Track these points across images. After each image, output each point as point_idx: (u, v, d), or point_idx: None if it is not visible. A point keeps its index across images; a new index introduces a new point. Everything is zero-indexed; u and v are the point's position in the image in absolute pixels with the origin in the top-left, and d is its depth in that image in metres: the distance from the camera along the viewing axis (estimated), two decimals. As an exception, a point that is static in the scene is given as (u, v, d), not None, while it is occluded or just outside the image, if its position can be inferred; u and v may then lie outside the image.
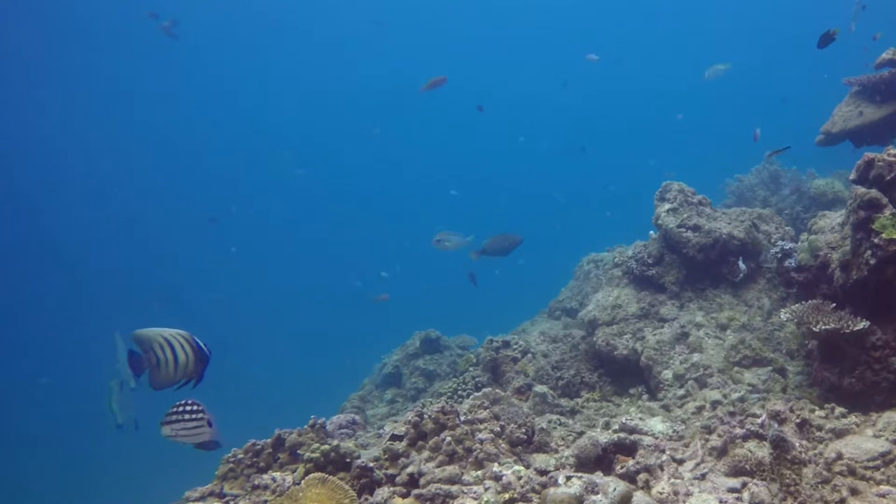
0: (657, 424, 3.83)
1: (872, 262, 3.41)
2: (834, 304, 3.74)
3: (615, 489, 2.55)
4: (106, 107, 27.14)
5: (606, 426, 4.03)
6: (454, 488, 2.87)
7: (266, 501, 3.17)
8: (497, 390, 4.68)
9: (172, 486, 4.15)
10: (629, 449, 3.15)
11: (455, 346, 6.98)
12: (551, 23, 28.99)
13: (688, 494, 2.71)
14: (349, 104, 31.17)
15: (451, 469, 2.99)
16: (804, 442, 2.76)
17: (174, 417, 3.06)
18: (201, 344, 2.83)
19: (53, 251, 25.64)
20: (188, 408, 3.09)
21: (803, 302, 3.92)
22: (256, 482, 3.40)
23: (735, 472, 2.88)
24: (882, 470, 2.69)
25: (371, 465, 3.10)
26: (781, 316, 4.10)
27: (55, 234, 26.15)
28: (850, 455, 2.76)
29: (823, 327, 3.51)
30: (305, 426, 3.76)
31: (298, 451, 3.60)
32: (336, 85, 31.46)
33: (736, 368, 4.36)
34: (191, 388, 2.89)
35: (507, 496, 2.79)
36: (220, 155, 30.57)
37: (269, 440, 3.71)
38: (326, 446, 3.19)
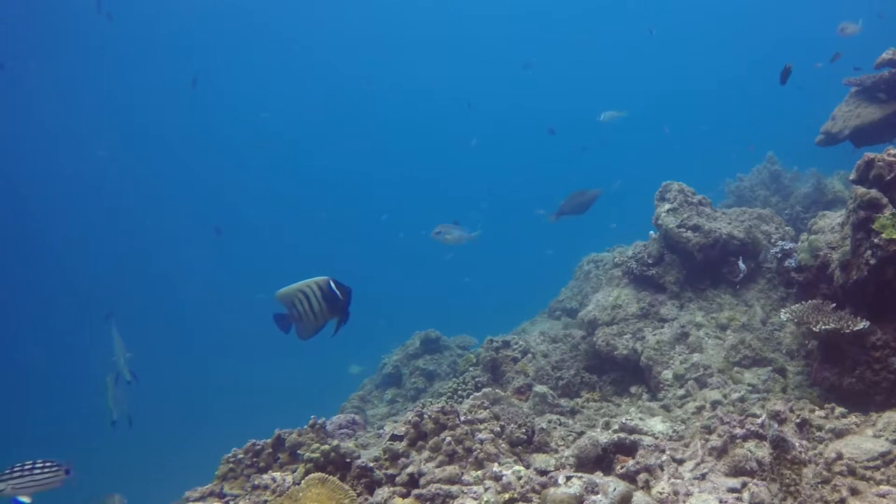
0: (657, 424, 3.84)
1: (872, 262, 3.41)
2: (834, 304, 3.74)
3: (615, 489, 2.55)
4: (103, 111, 27.19)
5: (606, 426, 4.03)
6: (454, 488, 2.87)
7: (266, 501, 3.17)
8: (497, 390, 4.68)
9: (172, 486, 4.16)
10: (629, 449, 3.15)
11: (455, 346, 6.97)
12: (548, 26, 29.02)
13: (688, 494, 2.71)
14: (343, 105, 31.22)
15: (451, 469, 2.99)
16: (804, 442, 2.76)
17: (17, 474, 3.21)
18: (333, 287, 2.98)
19: (51, 252, 25.66)
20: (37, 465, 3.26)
21: (803, 302, 3.92)
22: (256, 482, 3.40)
23: (735, 472, 2.88)
24: (882, 470, 2.69)
25: (371, 465, 3.10)
26: (781, 316, 4.10)
27: (53, 235, 26.16)
28: (850, 455, 2.76)
29: (823, 327, 3.51)
30: (305, 426, 3.76)
31: (298, 451, 3.60)
32: (332, 89, 31.52)
33: (736, 368, 4.36)
34: (331, 336, 3.10)
35: (507, 496, 2.79)
36: (217, 158, 30.60)
37: (269, 440, 3.71)
38: (326, 446, 3.19)
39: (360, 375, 8.35)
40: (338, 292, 3.00)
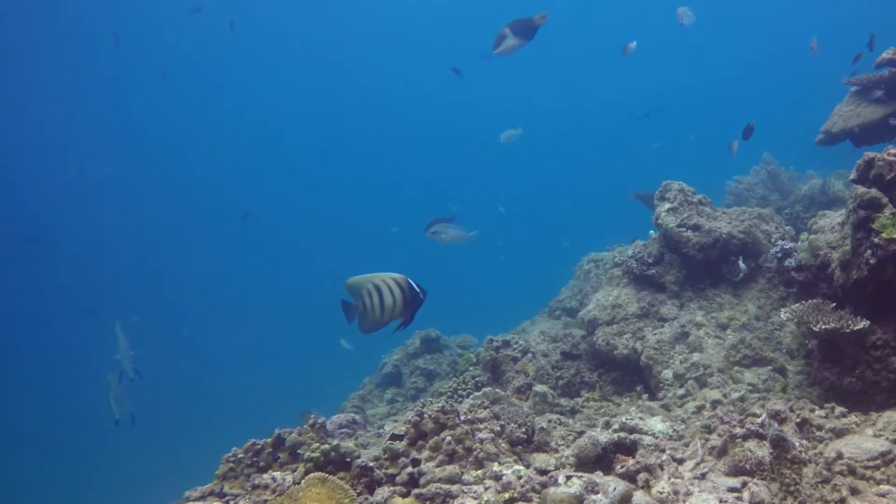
0: (657, 424, 3.84)
1: (872, 261, 3.41)
2: (834, 304, 3.74)
3: (615, 489, 2.55)
4: (101, 108, 27.19)
5: (606, 426, 4.03)
6: (454, 488, 2.87)
7: (266, 501, 3.17)
8: (497, 390, 4.68)
9: (172, 485, 4.16)
10: (629, 448, 3.15)
11: (455, 345, 6.97)
12: (555, 26, 28.99)
13: (688, 494, 2.71)
14: (338, 105, 31.21)
15: (452, 469, 2.99)
16: (804, 441, 2.76)
17: None
18: (415, 286, 2.95)
19: (51, 252, 25.66)
20: None
21: (803, 301, 3.92)
22: (256, 482, 3.39)
23: (735, 471, 2.88)
24: (882, 469, 2.69)
25: (371, 464, 3.10)
26: (781, 316, 4.10)
27: (54, 234, 26.18)
28: (850, 454, 2.76)
29: (823, 327, 3.51)
30: (305, 426, 3.76)
31: (298, 451, 3.60)
32: (327, 86, 31.51)
33: (736, 368, 4.36)
34: (402, 331, 3.05)
35: (507, 496, 2.78)
36: (216, 158, 30.61)
37: (269, 440, 3.71)
38: (326, 446, 3.19)
39: (351, 351, 8.33)
40: (418, 291, 2.98)
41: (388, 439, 3.29)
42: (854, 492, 2.54)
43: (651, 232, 5.49)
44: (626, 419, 3.90)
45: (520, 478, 2.87)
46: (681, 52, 27.98)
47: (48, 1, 22.52)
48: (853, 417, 3.19)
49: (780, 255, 4.60)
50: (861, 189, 3.54)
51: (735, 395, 4.03)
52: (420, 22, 30.30)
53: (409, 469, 3.03)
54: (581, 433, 3.78)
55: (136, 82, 26.80)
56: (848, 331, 3.43)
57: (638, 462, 2.95)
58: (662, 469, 2.91)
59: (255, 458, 3.65)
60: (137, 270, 25.64)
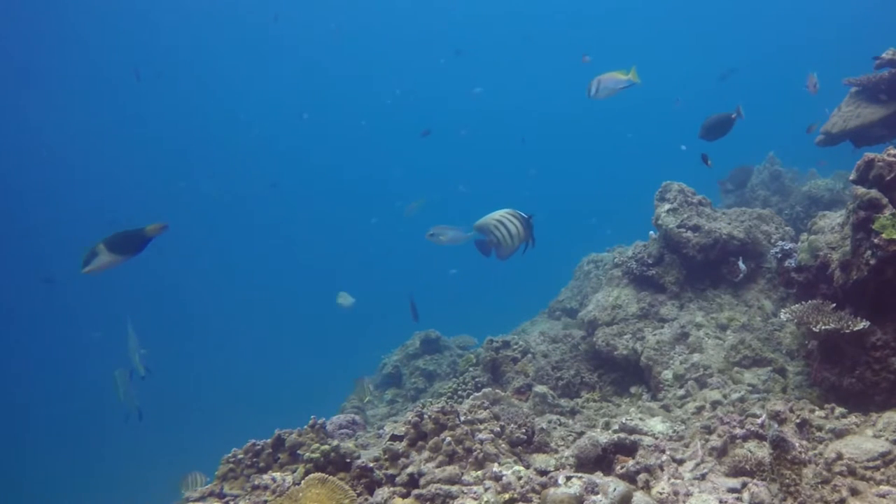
0: (657, 425, 3.84)
1: (872, 262, 3.41)
2: (834, 305, 3.74)
3: (615, 489, 2.55)
4: (102, 110, 27.19)
5: (606, 426, 4.03)
6: (454, 488, 2.87)
7: (266, 501, 3.17)
8: (497, 390, 4.68)
9: (172, 485, 4.16)
10: (629, 449, 3.15)
11: (455, 346, 6.97)
12: (544, 26, 29.02)
13: (688, 494, 2.71)
14: (332, 102, 31.21)
15: (451, 469, 2.99)
16: (804, 442, 2.76)
17: None
18: (524, 214, 3.57)
19: (52, 249, 25.64)
20: None
21: (803, 302, 3.92)
22: (256, 482, 3.40)
23: (735, 472, 2.88)
24: (882, 470, 2.69)
25: (371, 465, 3.10)
26: (781, 316, 4.10)
27: (54, 232, 26.16)
28: (850, 455, 2.76)
29: (823, 327, 3.51)
30: (305, 426, 3.76)
31: (298, 452, 3.60)
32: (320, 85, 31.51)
33: (736, 368, 4.36)
34: (529, 252, 3.60)
35: (507, 496, 2.78)
36: (219, 156, 30.61)
37: (269, 440, 3.71)
38: (326, 446, 3.19)
39: (351, 307, 8.34)
40: (528, 217, 3.57)
41: (388, 440, 3.30)
42: (854, 492, 2.54)
43: (651, 233, 5.49)
44: (626, 420, 3.90)
45: (520, 478, 2.87)
46: (685, 52, 27.98)
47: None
48: (853, 418, 3.19)
49: (779, 255, 4.60)
50: (861, 190, 3.54)
51: (735, 396, 4.03)
52: (420, 20, 30.32)
53: (409, 469, 3.04)
54: (581, 434, 3.78)
55: (133, 79, 26.79)
56: (848, 331, 3.43)
57: (638, 463, 2.96)
58: (662, 470, 2.91)
59: (255, 459, 3.66)
60: (138, 270, 25.62)
